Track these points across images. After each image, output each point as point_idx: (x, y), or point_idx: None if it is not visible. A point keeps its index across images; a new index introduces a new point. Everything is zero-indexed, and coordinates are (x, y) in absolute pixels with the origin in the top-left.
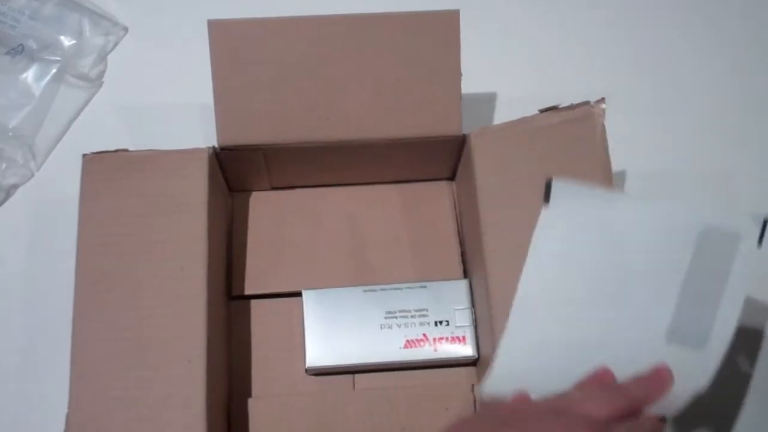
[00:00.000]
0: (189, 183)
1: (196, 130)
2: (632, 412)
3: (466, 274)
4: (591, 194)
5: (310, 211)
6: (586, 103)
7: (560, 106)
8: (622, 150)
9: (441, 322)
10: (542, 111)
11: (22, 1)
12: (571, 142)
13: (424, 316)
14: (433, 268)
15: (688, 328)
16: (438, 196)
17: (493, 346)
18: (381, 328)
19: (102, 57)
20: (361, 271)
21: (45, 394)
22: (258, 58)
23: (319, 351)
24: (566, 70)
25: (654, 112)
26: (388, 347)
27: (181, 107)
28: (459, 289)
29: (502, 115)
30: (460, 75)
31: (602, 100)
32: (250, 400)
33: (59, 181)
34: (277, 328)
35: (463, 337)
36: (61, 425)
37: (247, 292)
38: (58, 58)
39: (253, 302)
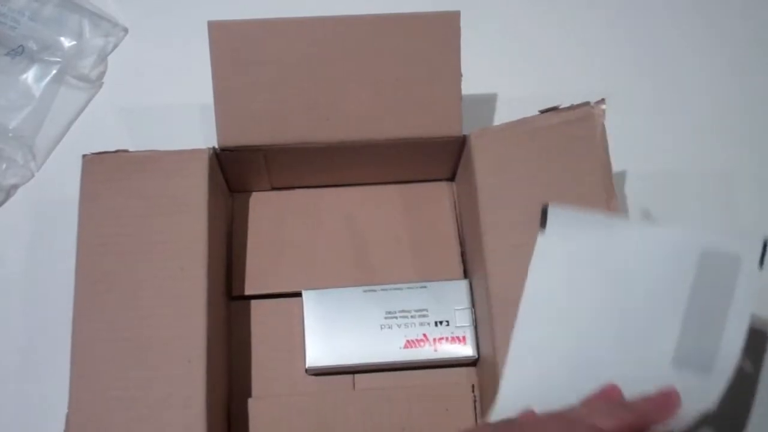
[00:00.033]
0: (189, 183)
1: (196, 131)
2: (639, 429)
3: (466, 275)
4: (590, 220)
5: (310, 211)
6: (586, 103)
7: (560, 107)
8: (622, 150)
9: (441, 322)
10: (542, 112)
11: (22, 2)
12: (571, 143)
13: (424, 316)
14: (434, 268)
15: (694, 352)
16: (438, 196)
17: (494, 346)
18: (381, 328)
19: (102, 58)
20: (361, 271)
21: (45, 394)
22: (258, 58)
23: (319, 351)
24: (566, 70)
25: (654, 112)
26: (388, 347)
27: (181, 108)
28: (459, 289)
29: (502, 116)
30: (461, 76)
31: (602, 100)
32: (250, 400)
33: (59, 182)
34: (277, 328)
35: (463, 338)
36: (61, 425)
37: (247, 292)
38: (58, 59)
39: (253, 302)
